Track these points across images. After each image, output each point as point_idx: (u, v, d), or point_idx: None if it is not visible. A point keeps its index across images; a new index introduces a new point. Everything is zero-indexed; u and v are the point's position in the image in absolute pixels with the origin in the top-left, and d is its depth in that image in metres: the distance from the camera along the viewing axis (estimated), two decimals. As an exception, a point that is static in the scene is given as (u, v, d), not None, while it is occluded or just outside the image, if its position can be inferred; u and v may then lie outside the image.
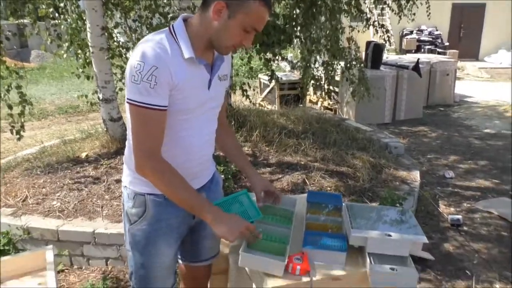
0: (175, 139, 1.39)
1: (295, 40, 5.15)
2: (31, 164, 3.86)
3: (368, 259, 1.47)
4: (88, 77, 4.25)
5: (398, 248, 1.50)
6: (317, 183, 3.39)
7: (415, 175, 3.81)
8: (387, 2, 5.48)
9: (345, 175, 3.58)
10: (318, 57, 5.21)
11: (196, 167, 1.48)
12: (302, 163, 3.72)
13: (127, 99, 1.28)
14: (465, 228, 3.34)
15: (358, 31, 5.29)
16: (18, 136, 3.70)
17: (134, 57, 1.25)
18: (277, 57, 4.71)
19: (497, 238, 3.21)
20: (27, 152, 4.43)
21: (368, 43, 6.82)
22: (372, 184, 3.48)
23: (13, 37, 4.35)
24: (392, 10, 5.42)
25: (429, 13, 5.61)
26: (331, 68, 5.15)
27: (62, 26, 4.34)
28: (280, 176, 3.48)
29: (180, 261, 1.72)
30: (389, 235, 1.51)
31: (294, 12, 4.61)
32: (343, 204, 1.81)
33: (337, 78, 6.22)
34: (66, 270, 2.83)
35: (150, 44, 1.26)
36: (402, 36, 14.76)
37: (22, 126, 3.76)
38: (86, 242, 2.80)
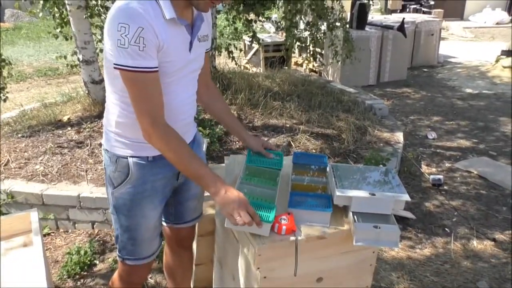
0: None
1: (278, 0, 5.03)
2: (12, 128, 3.78)
3: (352, 218, 1.51)
4: (66, 38, 4.10)
5: (381, 207, 1.54)
6: (302, 146, 3.41)
7: (399, 137, 3.86)
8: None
9: (330, 137, 3.60)
10: (302, 17, 5.11)
11: (179, 129, 1.41)
12: (288, 125, 3.73)
13: (116, 64, 1.20)
14: (445, 187, 3.44)
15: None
16: (2, 98, 3.60)
17: (114, 19, 1.16)
18: (260, 18, 4.60)
19: (475, 196, 3.32)
20: (6, 115, 4.32)
21: (354, 3, 6.70)
22: (356, 146, 3.52)
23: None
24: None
25: None
26: (315, 29, 5.06)
27: None
28: (265, 139, 3.49)
29: (164, 223, 1.73)
30: (373, 194, 1.54)
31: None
32: (328, 165, 1.83)
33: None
34: (52, 234, 2.84)
35: (130, 4, 1.17)
36: (387, -4, 14.54)
37: (3, 88, 3.66)
38: (72, 206, 2.80)
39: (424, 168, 3.75)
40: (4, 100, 3.74)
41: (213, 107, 1.67)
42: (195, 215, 1.71)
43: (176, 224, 1.70)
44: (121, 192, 1.43)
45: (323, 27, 5.28)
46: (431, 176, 3.50)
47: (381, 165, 2.98)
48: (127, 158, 1.40)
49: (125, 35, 1.15)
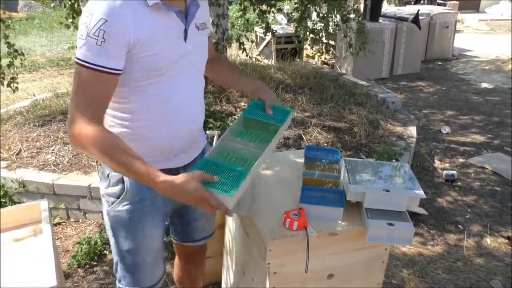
0: (152, 106, 1.17)
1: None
2: (24, 117, 3.80)
3: (365, 214, 1.48)
4: (78, 28, 4.09)
5: (395, 204, 1.51)
6: (313, 139, 3.38)
7: (412, 131, 3.80)
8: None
9: (342, 131, 3.56)
10: (315, 9, 5.04)
11: (182, 138, 1.26)
12: (299, 118, 3.69)
13: (76, 58, 1.07)
14: (459, 183, 3.38)
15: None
16: (12, 88, 3.62)
17: (86, 7, 1.05)
18: (272, 9, 4.54)
19: (489, 193, 3.26)
20: (19, 105, 4.35)
21: (367, -6, 6.59)
22: (368, 140, 3.47)
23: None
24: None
25: None
26: (329, 21, 4.99)
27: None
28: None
29: (173, 240, 1.63)
30: (387, 190, 1.51)
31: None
32: (341, 159, 1.80)
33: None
34: (63, 223, 2.85)
35: None
36: (402, -13, 14.30)
37: (14, 79, 3.66)
38: (82, 196, 2.81)
39: (437, 163, 3.69)
40: (14, 90, 3.75)
41: (214, 72, 1.50)
42: (205, 234, 1.59)
43: (185, 243, 1.59)
44: (117, 210, 1.26)
45: (336, 18, 5.20)
46: (444, 172, 3.44)
47: (393, 160, 2.94)
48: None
49: (87, 25, 1.02)
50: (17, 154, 3.17)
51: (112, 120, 1.21)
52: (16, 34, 9.35)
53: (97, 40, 1.01)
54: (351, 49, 5.10)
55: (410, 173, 1.71)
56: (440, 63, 7.48)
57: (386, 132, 3.66)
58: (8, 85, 3.64)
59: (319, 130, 3.50)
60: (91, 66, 1.04)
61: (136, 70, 1.11)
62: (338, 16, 5.05)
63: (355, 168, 1.70)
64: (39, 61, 7.41)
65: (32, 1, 14.11)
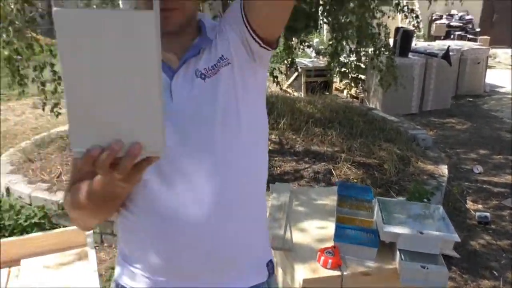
0: (141, 198, 0.86)
1: (322, 26, 5.09)
2: (65, 142, 3.99)
3: (398, 256, 1.50)
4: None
5: (429, 246, 1.52)
6: (343, 174, 3.40)
7: (443, 169, 3.77)
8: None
9: (371, 167, 3.57)
10: (346, 43, 5.14)
11: (190, 260, 0.87)
12: (329, 153, 3.73)
13: None
14: (492, 226, 3.31)
15: (389, 16, 5.18)
16: (55, 113, 3.83)
17: None
18: (303, 43, 4.66)
19: (525, 237, 3.18)
20: (60, 129, 4.56)
21: (397, 30, 6.67)
22: (399, 177, 3.47)
23: (44, 16, 4.46)
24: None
25: None
26: (359, 56, 5.08)
27: (94, 6, 4.41)
28: (306, 166, 3.50)
29: None
30: (421, 233, 1.53)
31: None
32: (374, 198, 1.83)
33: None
34: (96, 247, 2.94)
35: None
36: (431, 21, 14.32)
37: (57, 104, 3.87)
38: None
39: (469, 204, 3.63)
40: (57, 116, 3.95)
41: None
42: None
43: None
44: None
45: (367, 52, 5.28)
46: (477, 213, 3.39)
47: (425, 199, 2.92)
48: None
49: None
50: (58, 177, 3.32)
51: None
52: (58, 60, 9.83)
53: None
54: (381, 84, 5.14)
55: (444, 215, 1.72)
56: (471, 99, 7.40)
57: (417, 170, 3.65)
58: (51, 110, 3.85)
59: (348, 165, 3.52)
60: None
61: None
62: (368, 50, 5.13)
63: (388, 207, 1.73)
64: (77, 86, 7.76)
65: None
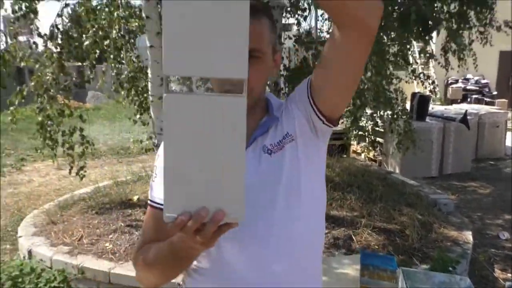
0: (205, 260, 0.97)
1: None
2: (87, 204, 4.07)
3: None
4: (144, 123, 4.50)
5: (457, 322, 1.47)
6: (364, 241, 3.35)
7: (467, 236, 3.67)
8: (434, 55, 5.50)
9: (393, 233, 3.51)
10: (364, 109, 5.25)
11: None
12: (348, 218, 3.70)
13: None
14: (523, 296, 3.15)
15: (406, 81, 5.32)
16: (80, 175, 3.96)
17: None
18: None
19: (559, 310, 3.00)
20: (82, 191, 4.67)
21: (414, 95, 6.81)
22: (421, 244, 3.39)
23: (77, 83, 4.75)
24: (439, 63, 5.42)
25: (476, 65, 5.54)
26: (377, 120, 5.17)
27: (123, 76, 4.68)
28: (326, 232, 3.47)
29: None
30: (448, 307, 1.48)
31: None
32: (398, 268, 1.80)
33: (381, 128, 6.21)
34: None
35: None
36: (447, 85, 14.55)
37: (83, 168, 4.01)
38: (135, 287, 2.88)
39: (497, 273, 3.49)
40: (82, 178, 4.08)
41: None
42: None
43: None
44: None
45: (384, 116, 5.37)
46: (507, 283, 3.24)
47: (450, 268, 2.83)
48: None
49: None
50: (79, 240, 3.35)
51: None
52: (81, 123, 10.28)
53: (153, 175, 1.02)
54: (399, 148, 5.17)
55: (471, 286, 1.68)
56: (492, 162, 7.33)
57: (440, 236, 3.56)
58: (77, 173, 3.98)
59: (369, 231, 3.47)
60: (149, 201, 1.03)
61: None
62: (386, 113, 5.22)
63: (413, 278, 1.70)
64: (101, 149, 8.02)
65: (99, 93, 15.61)
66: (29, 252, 3.33)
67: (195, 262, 0.96)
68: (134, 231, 3.44)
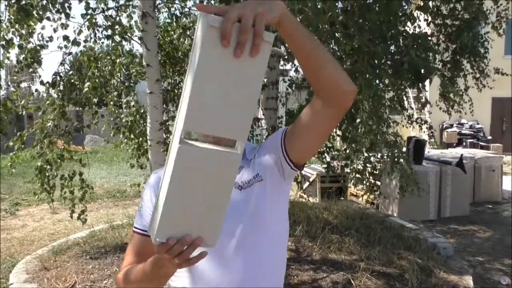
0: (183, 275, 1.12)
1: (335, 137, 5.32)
2: (81, 248, 4.00)
3: None
4: (141, 167, 4.53)
5: None
6: (363, 285, 3.29)
7: (468, 281, 3.62)
8: (428, 102, 5.65)
9: (392, 277, 3.46)
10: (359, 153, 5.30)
11: None
12: (347, 261, 3.65)
13: None
14: None
15: (403, 125, 5.40)
16: (82, 219, 3.95)
17: None
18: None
19: None
20: (77, 235, 4.61)
21: (409, 139, 6.90)
22: (422, 289, 3.33)
23: (77, 128, 4.82)
24: (440, 108, 5.52)
25: (472, 110, 5.66)
26: (374, 163, 5.20)
27: (123, 120, 4.75)
28: (324, 275, 3.41)
29: None
30: None
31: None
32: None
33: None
34: None
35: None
36: (442, 129, 14.77)
37: (84, 211, 4.00)
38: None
39: (500, 319, 3.40)
40: (83, 222, 4.05)
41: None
42: None
43: None
44: None
45: (382, 159, 5.40)
46: (510, 330, 3.16)
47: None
48: None
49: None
50: (72, 287, 3.28)
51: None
52: (82, 167, 10.30)
53: (139, 206, 1.17)
54: (403, 191, 5.13)
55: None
56: (490, 206, 7.30)
57: (440, 281, 3.51)
58: (78, 218, 3.96)
59: (368, 275, 3.42)
60: (133, 229, 1.17)
61: None
62: (384, 156, 5.25)
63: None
64: (97, 192, 7.97)
65: (96, 136, 15.74)
66: (20, 300, 3.25)
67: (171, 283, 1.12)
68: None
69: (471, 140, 13.88)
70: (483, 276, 4.29)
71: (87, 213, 6.39)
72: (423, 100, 5.41)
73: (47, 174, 3.77)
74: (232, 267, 1.08)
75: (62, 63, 4.12)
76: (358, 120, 4.43)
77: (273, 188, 1.14)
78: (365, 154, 5.32)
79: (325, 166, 4.75)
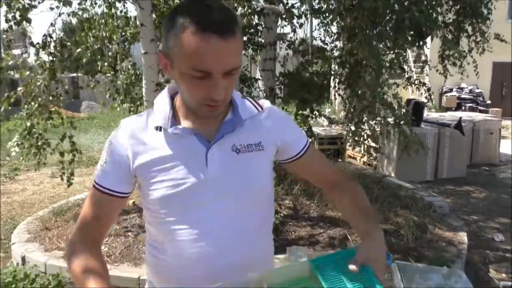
0: (172, 242, 1.04)
1: (335, 98, 5.28)
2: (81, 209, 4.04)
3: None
4: (138, 129, 4.50)
5: (452, 310, 1.47)
6: (359, 240, 3.34)
7: (462, 237, 3.68)
8: (429, 60, 5.56)
9: (388, 233, 3.51)
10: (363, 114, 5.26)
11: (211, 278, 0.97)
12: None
13: None
14: (519, 296, 3.16)
15: (404, 87, 5.35)
16: (68, 182, 3.92)
17: None
18: (314, 113, 4.82)
19: (555, 308, 3.00)
20: (77, 197, 4.65)
21: (409, 101, 6.86)
22: (417, 244, 3.39)
23: (70, 91, 4.75)
24: (437, 70, 5.45)
25: (477, 72, 5.56)
26: (374, 126, 5.18)
27: (119, 82, 4.69)
28: (321, 231, 3.47)
29: None
30: (443, 296, 1.49)
31: (339, 71, 4.76)
32: (394, 263, 1.80)
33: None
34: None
35: (130, 117, 1.08)
36: (441, 94, 14.69)
37: (72, 174, 3.98)
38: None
39: (492, 273, 3.49)
40: (69, 186, 4.02)
41: (338, 205, 1.23)
42: None
43: None
44: None
45: (382, 121, 5.37)
46: (502, 283, 3.24)
47: (445, 267, 2.83)
48: None
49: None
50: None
51: (149, 251, 1.14)
52: (78, 132, 10.28)
53: (102, 160, 1.05)
54: (408, 151, 5.11)
55: (467, 281, 1.68)
56: (487, 168, 7.36)
57: (435, 237, 3.57)
58: (68, 180, 3.95)
59: (365, 232, 3.47)
60: (93, 182, 1.05)
61: (148, 199, 1.03)
62: (385, 119, 5.21)
63: (409, 272, 1.70)
64: (96, 156, 7.99)
65: (93, 103, 15.63)
66: (23, 259, 3.30)
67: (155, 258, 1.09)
68: (129, 234, 3.43)
69: (470, 105, 13.84)
70: (477, 233, 4.38)
71: (86, 176, 6.50)
72: (423, 58, 5.32)
73: (35, 135, 3.72)
74: (221, 234, 1.01)
75: (52, 24, 4.01)
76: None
77: (270, 164, 1.10)
78: (365, 117, 5.29)
79: (307, 129, 4.72)
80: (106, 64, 4.54)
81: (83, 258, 0.97)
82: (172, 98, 1.06)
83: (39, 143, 3.76)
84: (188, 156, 1.00)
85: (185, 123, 1.02)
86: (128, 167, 1.01)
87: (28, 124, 3.73)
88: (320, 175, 1.21)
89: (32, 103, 3.77)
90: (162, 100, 1.05)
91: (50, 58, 3.85)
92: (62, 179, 3.99)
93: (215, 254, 1.00)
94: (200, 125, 1.01)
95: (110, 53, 4.61)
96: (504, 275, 3.48)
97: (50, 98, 3.90)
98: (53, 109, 3.95)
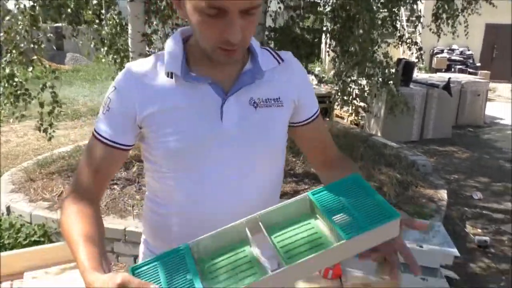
0: (179, 198, 0.97)
1: (326, 54, 5.20)
2: (67, 162, 4.02)
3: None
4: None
5: (429, 260, 1.53)
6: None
7: (442, 194, 3.78)
8: (422, 21, 5.47)
9: (371, 190, 3.59)
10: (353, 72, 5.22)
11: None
12: (329, 175, 3.75)
13: None
14: (492, 250, 3.30)
15: (394, 46, 5.29)
16: (48, 135, 3.81)
17: None
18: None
19: (525, 262, 3.16)
20: (61, 150, 4.61)
21: (399, 60, 6.81)
22: (398, 200, 3.47)
23: (52, 40, 4.57)
24: (430, 29, 5.37)
25: (467, 32, 5.51)
26: (363, 85, 5.16)
27: (103, 32, 4.53)
28: (306, 187, 3.52)
29: None
30: (421, 246, 1.53)
31: (330, 26, 4.66)
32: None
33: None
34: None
35: (137, 61, 0.97)
36: (432, 55, 14.61)
37: (51, 125, 3.86)
38: (117, 239, 2.90)
39: (469, 228, 3.62)
40: (49, 139, 3.91)
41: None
42: None
43: None
44: None
45: (371, 81, 5.35)
46: (477, 237, 3.37)
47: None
48: None
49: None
50: (59, 196, 3.33)
51: (148, 206, 1.06)
52: (62, 85, 10.04)
53: (104, 108, 0.94)
54: (394, 111, 5.12)
55: (444, 231, 1.73)
56: (471, 129, 7.47)
57: (417, 194, 3.66)
58: (44, 131, 3.83)
59: (349, 188, 3.53)
60: (93, 132, 0.95)
61: (154, 152, 0.96)
62: (373, 79, 5.17)
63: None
64: (81, 110, 7.87)
65: (78, 55, 15.20)
66: (8, 209, 3.30)
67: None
68: (114, 186, 3.43)
69: (460, 66, 13.82)
70: (457, 191, 4.50)
71: (71, 130, 6.42)
72: (417, 14, 5.23)
73: (14, 84, 3.59)
74: (240, 189, 0.95)
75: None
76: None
77: (286, 122, 1.01)
78: (354, 76, 5.26)
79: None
80: (90, 12, 4.37)
81: (78, 217, 0.86)
82: (185, 41, 0.95)
83: (18, 92, 3.64)
84: (202, 107, 0.91)
85: (199, 70, 0.92)
86: (134, 117, 0.92)
87: (8, 71, 3.60)
88: (319, 149, 1.14)
89: (14, 51, 3.63)
90: (174, 43, 0.94)
91: (31, 3, 3.68)
92: (39, 131, 3.87)
93: (228, 214, 0.87)
94: (216, 73, 0.92)
95: (95, 1, 4.42)
96: (479, 230, 3.62)
97: (31, 45, 3.76)
98: (35, 57, 3.81)
